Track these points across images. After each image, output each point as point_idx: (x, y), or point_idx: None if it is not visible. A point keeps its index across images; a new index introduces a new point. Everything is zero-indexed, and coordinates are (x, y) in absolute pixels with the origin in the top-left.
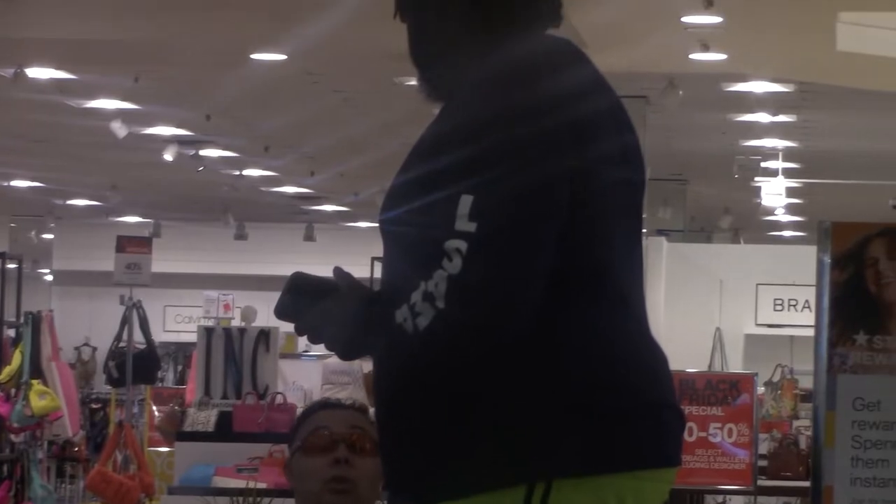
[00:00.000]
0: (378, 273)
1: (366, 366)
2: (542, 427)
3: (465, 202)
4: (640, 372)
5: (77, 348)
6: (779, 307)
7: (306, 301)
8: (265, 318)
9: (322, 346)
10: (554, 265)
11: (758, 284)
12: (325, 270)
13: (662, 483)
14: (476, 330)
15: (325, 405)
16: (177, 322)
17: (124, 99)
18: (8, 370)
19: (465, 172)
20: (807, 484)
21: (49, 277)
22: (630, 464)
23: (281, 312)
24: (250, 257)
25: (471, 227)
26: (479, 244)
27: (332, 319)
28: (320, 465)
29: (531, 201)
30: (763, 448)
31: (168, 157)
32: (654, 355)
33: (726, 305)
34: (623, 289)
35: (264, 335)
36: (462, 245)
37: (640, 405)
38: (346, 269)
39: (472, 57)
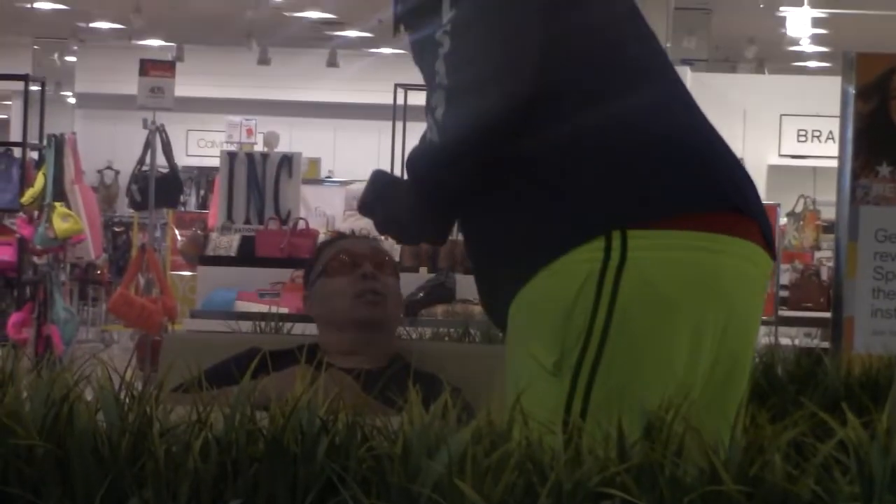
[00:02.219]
0: (400, 100)
1: None
2: (610, 184)
3: None
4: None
5: (100, 171)
6: (802, 138)
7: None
8: (287, 143)
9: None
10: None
11: (781, 115)
12: (348, 97)
13: (742, 260)
14: (490, 86)
15: (342, 237)
16: (199, 147)
17: None
18: (31, 192)
19: None
20: (828, 315)
21: (72, 100)
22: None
23: (362, 207)
24: (273, 82)
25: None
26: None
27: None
28: (348, 283)
29: None
30: (784, 279)
31: None
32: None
33: (750, 136)
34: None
35: (287, 160)
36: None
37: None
38: (370, 95)
39: None
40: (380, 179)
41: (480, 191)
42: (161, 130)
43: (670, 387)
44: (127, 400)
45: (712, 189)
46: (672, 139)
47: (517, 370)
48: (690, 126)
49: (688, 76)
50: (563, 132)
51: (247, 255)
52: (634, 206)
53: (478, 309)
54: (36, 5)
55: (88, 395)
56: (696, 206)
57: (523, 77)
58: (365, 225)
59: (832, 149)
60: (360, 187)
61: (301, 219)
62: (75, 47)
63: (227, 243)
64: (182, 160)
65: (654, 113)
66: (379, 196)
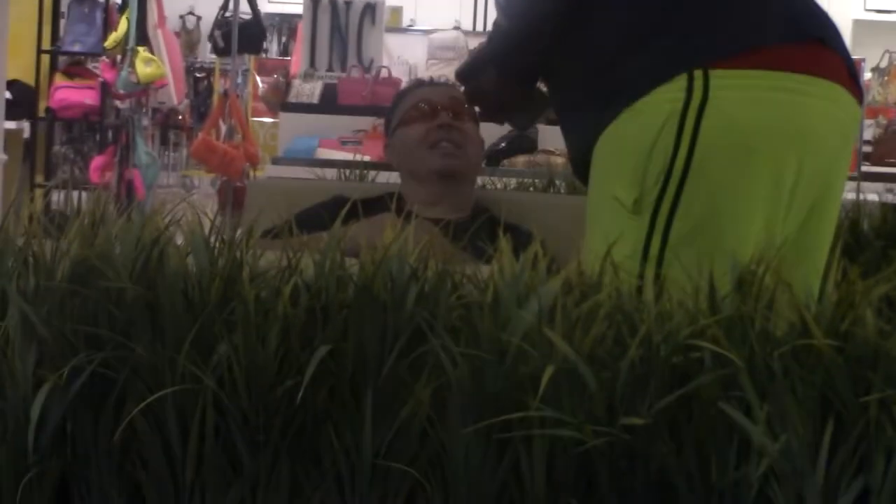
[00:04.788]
0: None
1: (471, 41)
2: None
3: None
4: None
5: (181, 17)
6: None
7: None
8: None
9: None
10: None
11: None
12: None
13: (826, 102)
14: None
15: (420, 84)
16: None
17: None
18: (114, 37)
19: None
20: None
21: None
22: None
23: (458, 74)
24: None
25: None
26: None
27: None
28: (424, 132)
29: None
30: (868, 134)
31: None
32: None
33: None
34: None
35: (370, 8)
36: None
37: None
38: None
39: None
40: (482, 50)
41: (561, 40)
42: None
43: (749, 228)
44: (217, 244)
45: (793, 19)
46: None
47: (598, 210)
48: None
49: None
50: None
51: (329, 103)
52: (715, 43)
53: (559, 160)
54: None
55: (178, 240)
56: (778, 37)
57: None
58: (447, 73)
59: None
60: (442, 36)
61: (384, 67)
62: None
63: (310, 90)
64: (264, 6)
65: None
66: (475, 67)
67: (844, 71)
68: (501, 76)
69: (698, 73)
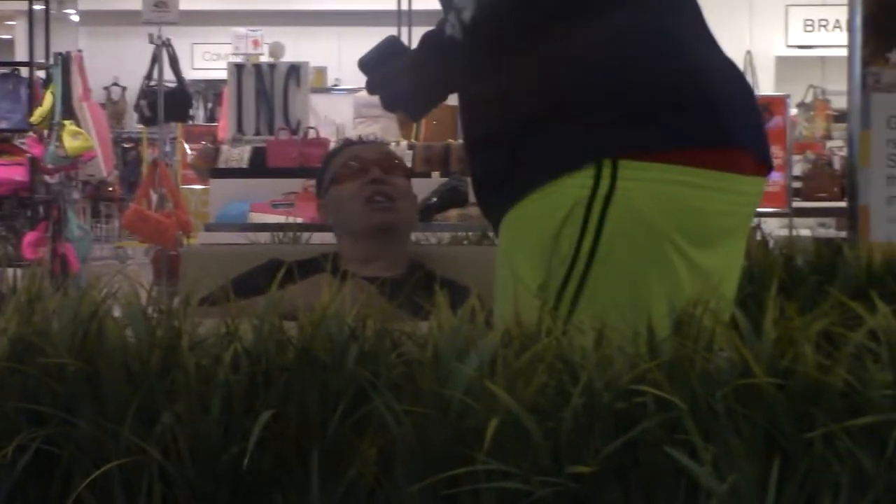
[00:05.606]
0: (405, 5)
1: None
2: (609, 112)
3: None
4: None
5: (106, 88)
6: (809, 28)
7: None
8: (293, 53)
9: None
10: None
11: (787, 5)
12: (351, 4)
13: (733, 195)
14: None
15: (349, 143)
16: (205, 59)
17: None
18: (40, 112)
19: None
20: (842, 204)
21: (76, 18)
22: (681, 142)
23: (361, 64)
24: None
25: None
26: None
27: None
28: (357, 188)
29: None
30: (797, 170)
31: None
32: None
33: (756, 28)
34: None
35: (295, 70)
36: None
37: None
38: (374, 1)
39: None
40: (389, 43)
41: (487, 106)
42: (167, 45)
43: (650, 318)
44: (155, 315)
45: (712, 123)
46: (675, 70)
47: (504, 287)
48: (695, 53)
49: None
50: (571, 53)
51: (258, 167)
52: (628, 138)
53: None
54: None
55: (115, 312)
56: (693, 142)
57: None
58: (374, 131)
59: (840, 37)
60: (368, 94)
61: (311, 128)
62: None
63: (239, 155)
64: (188, 74)
65: (661, 41)
66: (381, 57)
67: (753, 160)
68: (427, 81)
69: (607, 163)
